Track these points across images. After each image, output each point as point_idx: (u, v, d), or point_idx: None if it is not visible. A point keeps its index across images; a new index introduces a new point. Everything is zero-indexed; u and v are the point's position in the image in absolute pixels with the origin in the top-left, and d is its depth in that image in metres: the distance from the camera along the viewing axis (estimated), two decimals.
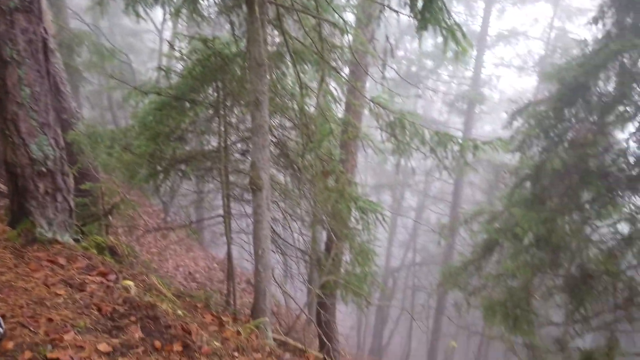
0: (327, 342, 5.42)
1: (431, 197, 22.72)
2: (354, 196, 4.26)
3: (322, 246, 6.08)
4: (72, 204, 3.10)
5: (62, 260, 2.78)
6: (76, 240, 3.19)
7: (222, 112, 4.24)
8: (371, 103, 4.38)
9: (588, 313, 6.80)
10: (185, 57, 4.36)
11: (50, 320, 2.21)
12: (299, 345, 3.86)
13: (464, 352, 21.69)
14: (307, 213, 4.95)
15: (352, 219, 4.59)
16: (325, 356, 3.72)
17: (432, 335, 17.81)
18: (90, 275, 2.78)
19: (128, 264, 3.53)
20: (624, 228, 7.26)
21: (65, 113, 6.30)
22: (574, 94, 7.02)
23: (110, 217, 4.96)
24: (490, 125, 30.55)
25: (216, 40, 4.03)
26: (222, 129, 4.22)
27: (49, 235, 2.93)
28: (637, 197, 7.32)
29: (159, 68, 4.34)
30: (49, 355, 1.98)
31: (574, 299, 6.79)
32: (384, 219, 4.33)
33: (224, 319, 3.24)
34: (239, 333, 2.98)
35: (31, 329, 2.13)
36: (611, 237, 7.14)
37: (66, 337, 2.12)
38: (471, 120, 17.92)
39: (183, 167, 4.90)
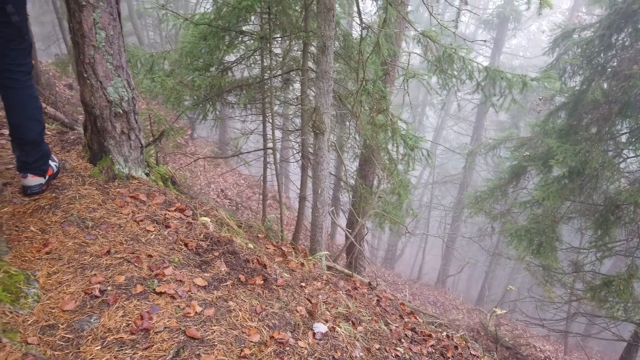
0: (359, 265, 5.82)
1: (452, 116, 22.41)
2: (402, 134, 4.35)
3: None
4: (142, 141, 3.27)
5: (142, 197, 3.00)
6: (147, 174, 3.39)
7: (268, 45, 4.21)
8: (421, 36, 4.29)
9: (611, 240, 7.08)
10: None
11: (149, 256, 2.47)
12: (346, 271, 4.18)
13: (475, 268, 22.78)
14: (351, 147, 5.08)
15: (396, 153, 4.71)
16: (371, 282, 4.05)
17: (446, 249, 18.58)
18: (169, 211, 3.01)
19: (197, 198, 3.76)
20: None
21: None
22: (624, 20, 6.71)
23: (159, 145, 5.15)
24: (518, 38, 29.17)
25: None
26: (269, 60, 4.23)
27: (126, 171, 3.13)
28: None
29: None
30: (157, 289, 2.26)
31: (599, 227, 7.04)
32: (428, 155, 4.44)
33: (284, 249, 3.52)
34: (302, 265, 3.27)
35: (135, 264, 2.39)
36: None
37: (166, 272, 2.39)
38: (503, 36, 17.15)
39: (229, 96, 4.97)
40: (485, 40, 3.63)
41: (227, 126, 16.24)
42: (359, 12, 3.21)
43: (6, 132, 3.40)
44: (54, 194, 2.76)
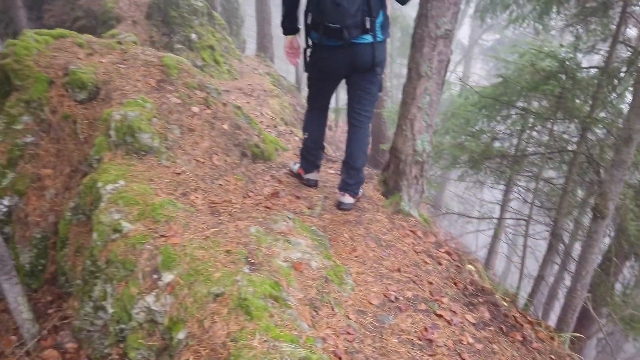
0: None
1: None
2: None
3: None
4: (425, 187, 3.83)
5: (419, 233, 3.53)
6: (419, 215, 3.94)
7: (550, 124, 4.44)
8: None
9: None
10: (524, 66, 4.64)
11: (430, 283, 2.94)
12: None
13: None
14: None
15: None
16: None
17: None
18: (439, 251, 3.46)
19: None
20: None
21: (382, 91, 7.31)
22: None
23: None
24: None
25: (567, 58, 4.18)
26: (548, 138, 4.44)
27: (407, 209, 3.72)
28: None
29: (500, 76, 4.71)
30: (437, 312, 2.68)
31: None
32: None
33: (529, 318, 3.62)
34: (552, 338, 3.32)
35: (419, 286, 2.88)
36: None
37: (444, 300, 2.81)
38: None
39: (490, 163, 5.32)
40: None
41: (444, 187, 16.57)
42: None
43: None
44: (357, 213, 3.49)
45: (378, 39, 3.00)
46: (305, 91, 7.56)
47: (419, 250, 3.31)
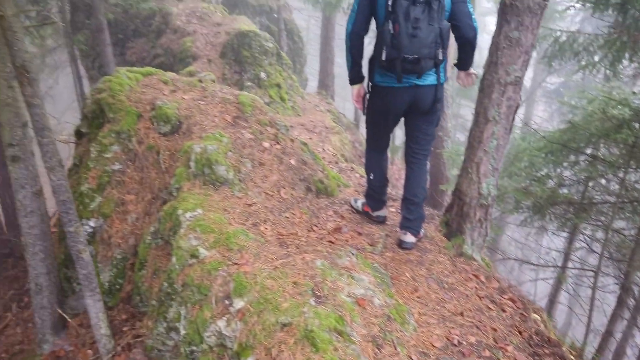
0: None
1: None
2: None
3: None
4: (489, 231, 3.79)
5: (482, 277, 3.48)
6: (482, 259, 3.88)
7: (622, 173, 4.29)
8: None
9: None
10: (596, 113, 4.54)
11: (494, 329, 2.88)
12: None
13: None
14: None
15: None
16: None
17: None
18: (502, 297, 3.39)
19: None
20: None
21: (442, 131, 7.36)
22: None
23: None
24: None
25: None
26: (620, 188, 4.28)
27: (469, 252, 3.69)
28: None
29: (569, 122, 4.63)
30: (501, 358, 2.63)
31: None
32: None
33: None
34: None
35: (483, 332, 2.83)
36: None
37: (508, 349, 2.74)
38: None
39: (555, 210, 5.17)
40: None
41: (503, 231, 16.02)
42: None
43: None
44: (419, 253, 3.51)
45: (441, 81, 3.10)
46: (363, 128, 7.72)
47: (482, 295, 3.26)
